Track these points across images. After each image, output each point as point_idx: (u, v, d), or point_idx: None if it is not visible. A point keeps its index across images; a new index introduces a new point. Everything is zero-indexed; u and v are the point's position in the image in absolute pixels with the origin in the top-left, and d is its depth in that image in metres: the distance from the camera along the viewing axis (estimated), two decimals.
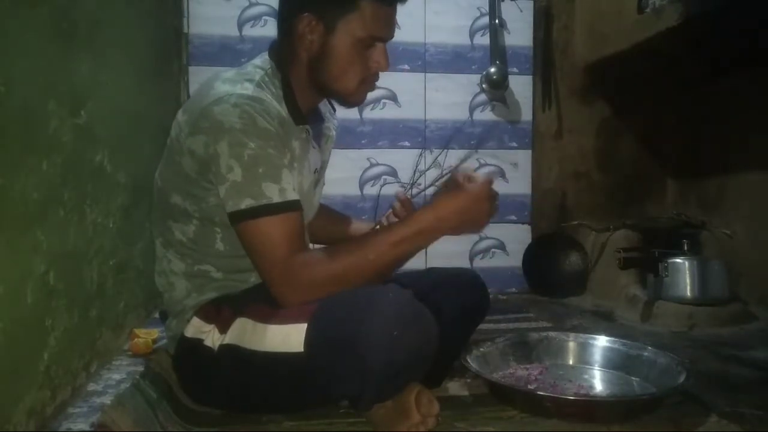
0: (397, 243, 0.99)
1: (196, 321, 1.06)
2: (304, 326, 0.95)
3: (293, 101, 1.07)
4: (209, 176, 0.99)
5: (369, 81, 1.09)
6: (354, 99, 1.11)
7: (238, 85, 1.00)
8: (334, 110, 1.29)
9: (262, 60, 1.09)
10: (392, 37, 1.08)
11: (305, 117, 1.09)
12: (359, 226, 1.38)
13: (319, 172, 1.20)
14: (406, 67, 2.20)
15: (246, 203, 0.95)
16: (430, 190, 1.19)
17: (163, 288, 1.11)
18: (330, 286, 0.97)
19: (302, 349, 0.94)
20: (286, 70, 1.07)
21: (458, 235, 1.04)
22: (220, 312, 1.05)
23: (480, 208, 1.03)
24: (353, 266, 0.98)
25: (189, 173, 1.01)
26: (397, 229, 1.02)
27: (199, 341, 1.04)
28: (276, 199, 0.96)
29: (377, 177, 2.24)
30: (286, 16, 1.07)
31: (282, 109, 1.04)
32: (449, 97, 2.27)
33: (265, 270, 0.98)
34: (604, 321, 1.89)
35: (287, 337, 0.96)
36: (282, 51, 1.09)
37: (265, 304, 1.01)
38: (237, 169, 0.95)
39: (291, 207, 0.98)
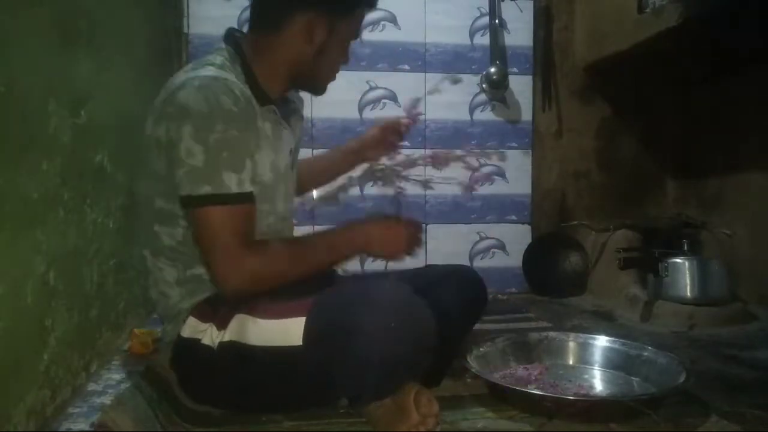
0: (330, 246, 1.09)
1: (191, 321, 1.05)
2: (303, 319, 0.95)
3: (255, 82, 1.07)
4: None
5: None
6: (325, 86, 1.18)
7: (199, 69, 1.02)
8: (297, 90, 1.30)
9: (218, 49, 1.11)
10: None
11: (269, 98, 1.10)
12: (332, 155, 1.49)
13: (294, 154, 1.21)
14: (406, 67, 2.21)
15: (204, 190, 0.96)
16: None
17: (157, 298, 1.10)
18: (274, 276, 1.01)
19: (301, 343, 0.95)
20: (246, 56, 1.09)
21: (377, 255, 1.17)
22: (216, 310, 1.04)
23: (398, 240, 1.12)
24: (293, 262, 1.03)
25: (160, 172, 1.01)
26: (332, 234, 1.12)
27: (197, 341, 1.04)
28: (234, 189, 0.98)
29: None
30: (282, 7, 1.08)
31: (245, 89, 1.05)
32: (449, 97, 2.27)
33: (214, 257, 0.99)
34: (604, 321, 1.89)
35: (287, 331, 0.96)
36: (262, 41, 1.10)
37: (263, 300, 1.02)
38: (199, 154, 0.95)
39: (247, 199, 1.00)
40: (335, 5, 1.08)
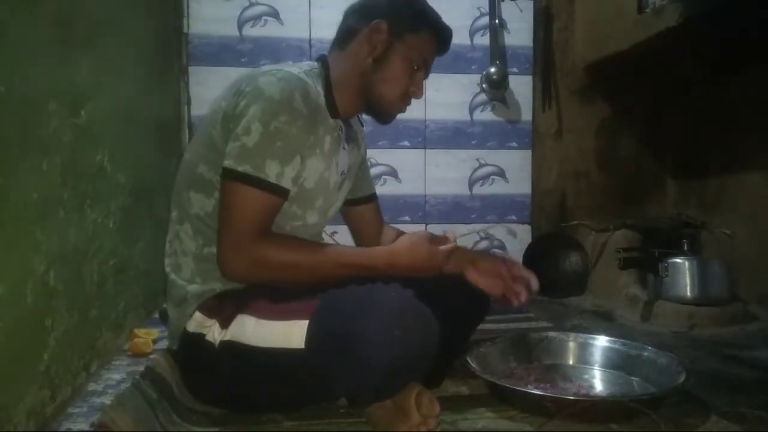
0: (347, 266, 1.05)
1: (198, 315, 1.06)
2: (306, 323, 0.96)
3: (330, 95, 1.14)
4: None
5: (405, 101, 1.18)
6: (389, 109, 1.18)
7: (285, 66, 1.10)
8: (362, 125, 1.36)
9: (309, 62, 1.18)
10: (428, 76, 1.21)
11: (338, 113, 1.15)
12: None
13: (346, 175, 1.23)
14: None
15: (244, 168, 1.00)
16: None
17: (171, 268, 1.12)
18: (273, 273, 1.02)
19: (303, 346, 0.95)
20: (330, 73, 1.15)
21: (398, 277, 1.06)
22: (222, 307, 1.05)
23: (429, 265, 1.09)
24: (302, 267, 1.03)
25: (218, 143, 1.05)
26: (353, 255, 1.10)
27: (201, 336, 1.04)
28: (272, 179, 1.01)
29: (377, 177, 2.24)
30: (358, 19, 1.15)
31: (320, 98, 1.11)
32: (449, 97, 2.27)
33: (227, 232, 1.01)
34: (604, 321, 1.89)
35: (288, 333, 0.97)
36: (338, 56, 1.17)
37: (267, 301, 1.02)
38: (255, 135, 1.00)
39: (279, 193, 1.03)
40: (398, 15, 1.13)
